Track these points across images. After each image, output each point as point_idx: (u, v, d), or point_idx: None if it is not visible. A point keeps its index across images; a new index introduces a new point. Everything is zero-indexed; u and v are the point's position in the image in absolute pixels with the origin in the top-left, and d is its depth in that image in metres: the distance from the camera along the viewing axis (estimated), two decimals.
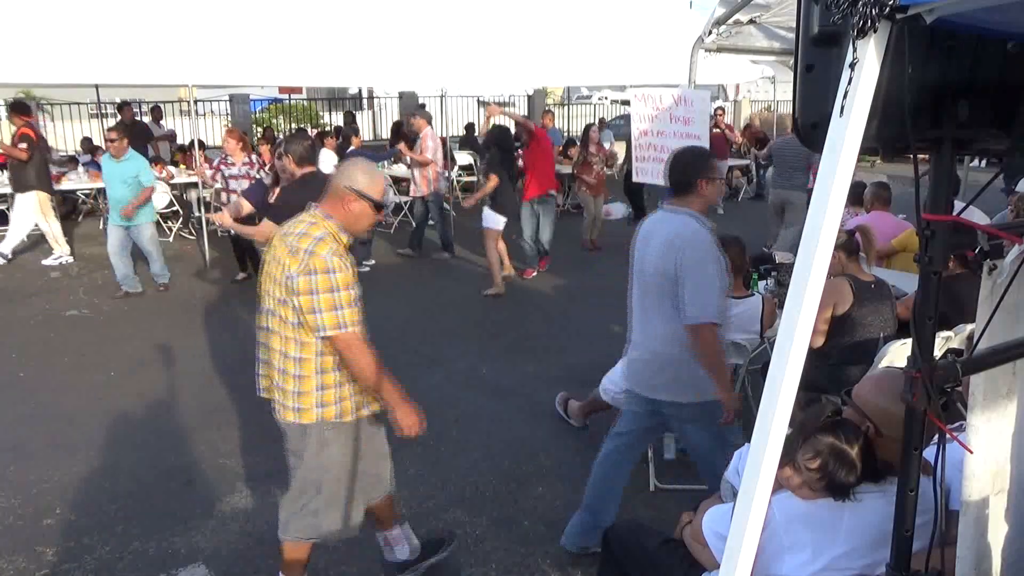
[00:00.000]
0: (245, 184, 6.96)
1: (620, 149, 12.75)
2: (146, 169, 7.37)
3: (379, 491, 3.01)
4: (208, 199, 9.27)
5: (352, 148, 9.18)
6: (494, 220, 7.44)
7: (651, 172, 5.24)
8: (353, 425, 2.77)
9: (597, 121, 16.67)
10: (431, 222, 9.01)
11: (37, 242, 9.50)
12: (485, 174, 7.59)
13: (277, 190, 5.00)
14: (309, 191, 4.61)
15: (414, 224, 9.32)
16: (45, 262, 8.58)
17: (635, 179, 5.67)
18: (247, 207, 5.02)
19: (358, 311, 2.63)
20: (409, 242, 9.20)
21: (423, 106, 15.60)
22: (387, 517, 3.13)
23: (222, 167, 7.63)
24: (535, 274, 8.21)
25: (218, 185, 7.83)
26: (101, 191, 9.58)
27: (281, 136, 14.82)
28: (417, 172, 8.71)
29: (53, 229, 8.66)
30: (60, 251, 8.72)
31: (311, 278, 2.49)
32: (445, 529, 3.40)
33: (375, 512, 3.07)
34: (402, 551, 3.16)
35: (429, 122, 8.77)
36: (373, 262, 8.74)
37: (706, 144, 4.82)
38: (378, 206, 2.71)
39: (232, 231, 5.11)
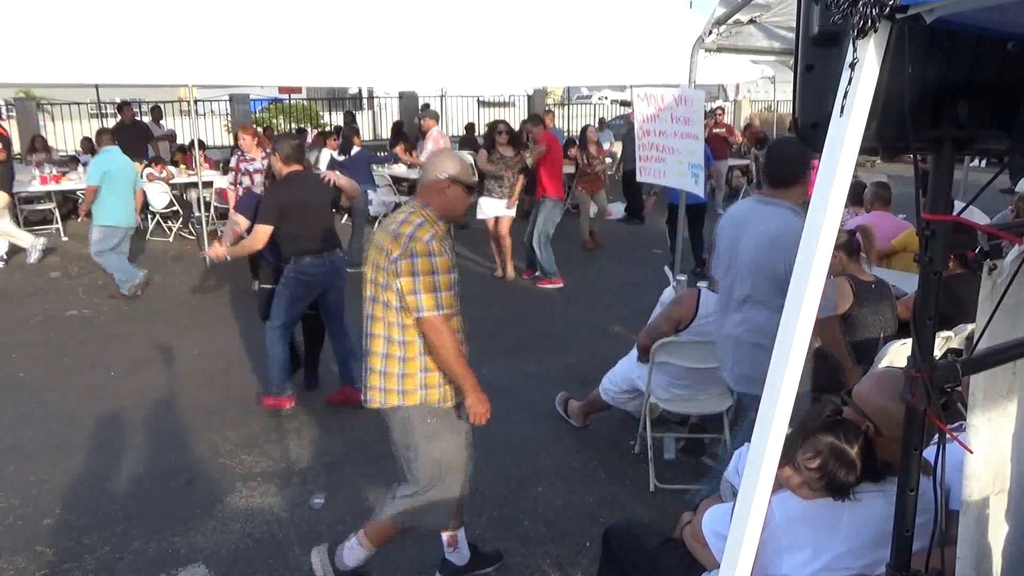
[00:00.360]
0: None
1: (619, 149, 12.76)
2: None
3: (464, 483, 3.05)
4: (208, 199, 9.26)
5: (356, 149, 9.15)
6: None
7: (654, 172, 5.24)
8: (454, 409, 2.85)
9: (597, 121, 16.68)
10: None
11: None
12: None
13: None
14: (294, 189, 4.62)
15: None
16: (30, 260, 8.53)
17: (639, 178, 5.67)
18: (244, 222, 4.80)
19: (454, 296, 2.74)
20: None
21: (427, 106, 15.63)
22: (459, 514, 3.12)
23: (242, 164, 7.54)
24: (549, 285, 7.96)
25: (241, 187, 7.62)
26: None
27: None
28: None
29: (7, 228, 8.56)
30: (26, 243, 8.58)
31: (412, 260, 2.62)
32: (496, 550, 3.33)
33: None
34: (461, 556, 3.15)
35: (437, 122, 8.77)
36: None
37: (703, 143, 4.84)
38: (470, 188, 2.87)
39: (228, 259, 4.85)
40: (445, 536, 3.13)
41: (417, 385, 2.75)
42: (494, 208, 7.91)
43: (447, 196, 2.78)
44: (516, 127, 8.79)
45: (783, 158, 3.08)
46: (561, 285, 7.81)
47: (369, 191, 9.02)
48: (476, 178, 2.98)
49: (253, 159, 7.34)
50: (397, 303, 2.68)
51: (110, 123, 12.79)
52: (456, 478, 2.92)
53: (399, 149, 8.96)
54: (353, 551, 3.02)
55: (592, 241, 9.70)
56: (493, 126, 8.74)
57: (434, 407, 2.80)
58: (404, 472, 2.91)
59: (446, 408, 2.83)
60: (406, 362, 2.73)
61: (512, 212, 8.00)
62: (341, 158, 9.12)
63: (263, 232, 4.50)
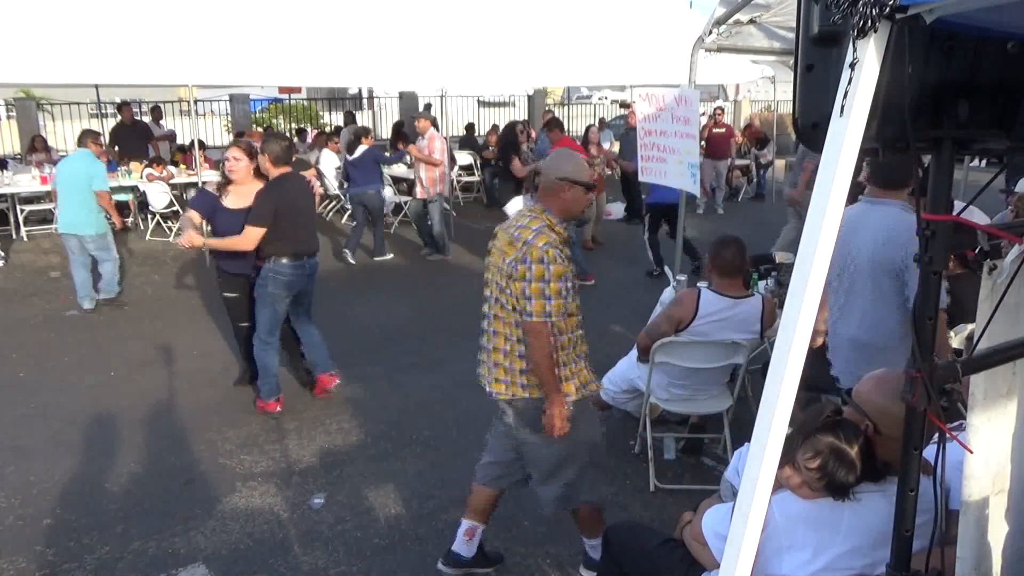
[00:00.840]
0: None
1: (618, 149, 12.75)
2: None
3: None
4: None
5: (364, 147, 9.15)
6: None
7: (655, 172, 5.25)
8: (573, 404, 2.91)
9: (597, 121, 16.67)
10: (429, 223, 9.00)
11: (38, 243, 9.52)
12: None
13: (230, 192, 4.66)
14: (285, 192, 4.59)
15: (416, 225, 9.33)
16: None
17: (640, 178, 5.68)
18: (198, 218, 4.70)
19: (564, 303, 2.80)
20: (426, 243, 9.27)
21: (429, 107, 15.62)
22: (486, 511, 3.19)
23: None
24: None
25: None
26: None
27: None
28: (424, 173, 8.68)
29: None
30: None
31: (527, 266, 2.72)
32: (496, 551, 3.36)
33: (485, 500, 3.17)
34: (469, 551, 3.19)
35: (434, 123, 8.76)
36: (391, 256, 8.90)
37: (698, 143, 4.85)
38: (588, 187, 2.91)
39: (206, 248, 4.69)
40: (466, 526, 3.17)
41: (537, 380, 2.84)
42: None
43: (565, 198, 2.85)
44: (521, 128, 8.83)
45: (895, 161, 3.15)
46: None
47: (378, 188, 9.11)
48: (591, 177, 2.99)
49: None
50: (514, 304, 2.79)
51: (110, 123, 12.79)
52: (575, 464, 3.00)
53: (412, 148, 8.95)
54: (595, 547, 3.08)
55: (592, 242, 9.70)
56: (512, 127, 8.69)
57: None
58: (538, 465, 3.02)
59: (568, 401, 2.91)
60: (526, 359, 2.84)
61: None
62: (350, 157, 9.14)
63: (256, 234, 4.45)
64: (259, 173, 4.65)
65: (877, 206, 3.17)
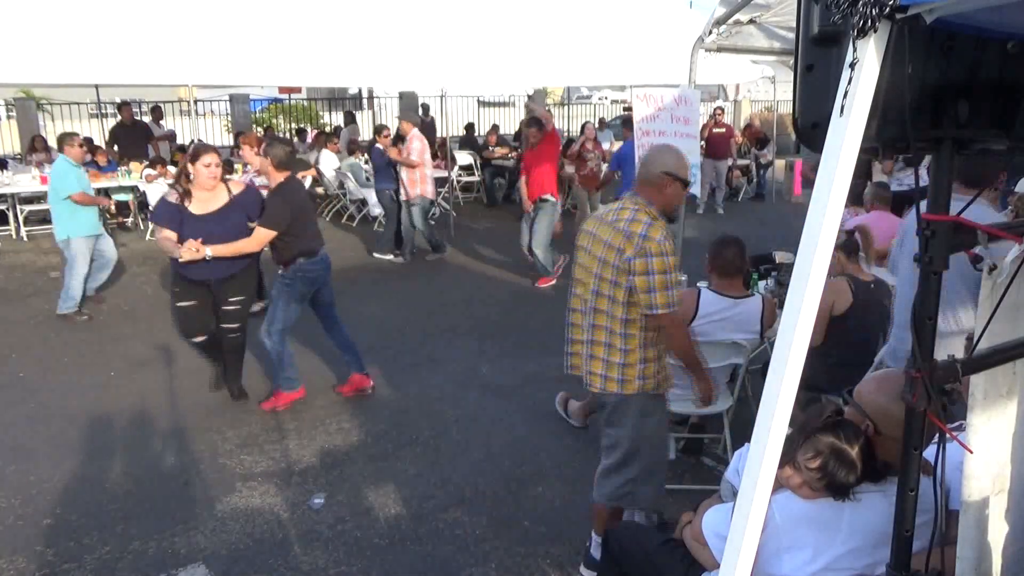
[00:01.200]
0: None
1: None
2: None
3: None
4: None
5: (379, 147, 9.20)
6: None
7: None
8: (664, 399, 2.98)
9: (597, 121, 16.69)
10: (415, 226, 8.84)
11: (38, 243, 9.52)
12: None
13: (193, 199, 4.52)
14: (295, 195, 4.60)
15: (389, 227, 9.17)
16: None
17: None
18: (173, 235, 4.48)
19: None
20: (396, 244, 9.03)
21: (427, 107, 15.61)
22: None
23: (254, 179, 7.40)
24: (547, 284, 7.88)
25: None
26: (103, 190, 9.52)
27: (281, 136, 14.86)
28: (405, 175, 8.56)
29: None
30: None
31: (647, 260, 2.74)
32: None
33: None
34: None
35: (416, 125, 8.69)
36: (401, 259, 8.91)
37: (699, 143, 4.85)
38: (685, 184, 2.95)
39: (209, 255, 4.42)
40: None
41: (636, 375, 2.88)
42: None
43: (666, 193, 2.89)
44: (516, 127, 8.79)
45: (981, 160, 3.18)
46: (555, 282, 7.79)
47: (390, 188, 9.09)
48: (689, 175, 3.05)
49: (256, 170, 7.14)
50: (624, 298, 2.81)
51: (110, 123, 12.79)
52: (658, 455, 3.06)
53: (389, 147, 8.89)
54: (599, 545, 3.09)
55: None
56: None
57: (649, 394, 2.94)
58: (610, 455, 3.05)
59: (659, 396, 2.98)
60: (627, 353, 2.87)
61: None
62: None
63: (268, 236, 4.47)
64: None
65: (958, 203, 3.21)
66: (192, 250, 4.37)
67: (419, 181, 8.52)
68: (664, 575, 2.37)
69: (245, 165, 7.53)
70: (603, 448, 3.10)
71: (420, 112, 15.24)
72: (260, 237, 4.50)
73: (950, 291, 3.15)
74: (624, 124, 9.56)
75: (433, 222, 11.07)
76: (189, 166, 4.53)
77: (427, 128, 14.07)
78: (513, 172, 11.67)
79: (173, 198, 4.56)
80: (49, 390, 5.17)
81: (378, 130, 9.64)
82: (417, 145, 8.46)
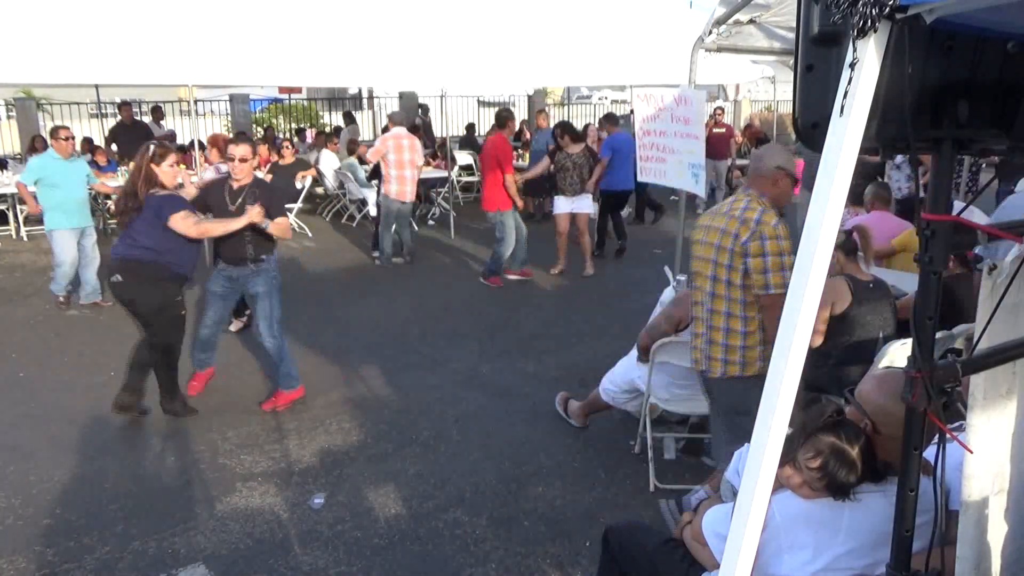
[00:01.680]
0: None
1: None
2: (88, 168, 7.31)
3: None
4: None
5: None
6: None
7: (654, 172, 5.25)
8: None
9: (597, 121, 16.68)
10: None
11: (38, 243, 9.51)
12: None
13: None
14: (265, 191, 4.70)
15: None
16: None
17: (640, 178, 5.68)
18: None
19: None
20: (374, 245, 8.95)
21: (426, 108, 15.60)
22: None
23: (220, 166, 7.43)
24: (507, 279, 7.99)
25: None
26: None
27: (281, 136, 14.86)
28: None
29: None
30: None
31: (763, 243, 2.90)
32: None
33: None
34: None
35: (401, 123, 8.63)
36: (401, 260, 8.90)
37: (703, 143, 4.85)
38: (795, 179, 3.08)
39: (265, 224, 4.53)
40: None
41: (757, 357, 3.01)
42: (569, 205, 8.09)
43: (779, 186, 3.03)
44: (516, 127, 8.80)
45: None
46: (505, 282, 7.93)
47: None
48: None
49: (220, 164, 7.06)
50: (740, 281, 2.96)
51: (110, 123, 12.79)
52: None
53: (363, 147, 8.93)
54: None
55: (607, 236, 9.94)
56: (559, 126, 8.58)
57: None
58: (720, 441, 3.15)
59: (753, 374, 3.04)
60: (747, 336, 3.01)
61: (589, 208, 8.21)
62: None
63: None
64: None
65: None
66: (258, 216, 4.50)
67: (384, 181, 8.45)
68: (664, 575, 2.37)
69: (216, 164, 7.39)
70: (730, 441, 3.05)
71: (419, 112, 15.24)
72: (284, 224, 4.70)
73: None
74: (607, 119, 9.66)
75: (433, 221, 11.08)
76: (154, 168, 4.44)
77: (426, 128, 14.08)
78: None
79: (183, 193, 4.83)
80: (49, 390, 5.17)
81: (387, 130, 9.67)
82: (376, 144, 8.46)
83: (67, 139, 6.80)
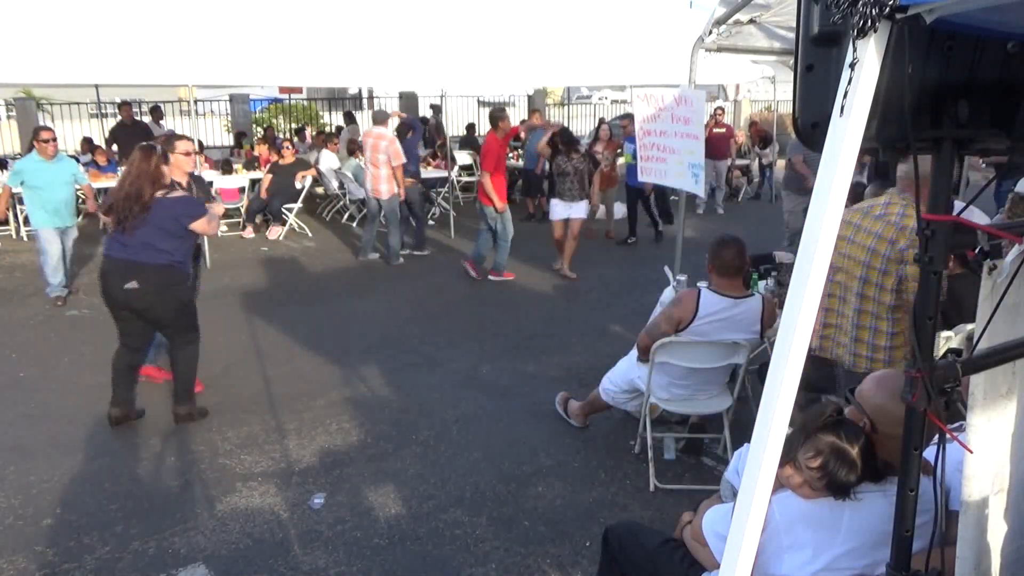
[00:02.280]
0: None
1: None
2: (79, 168, 7.32)
3: None
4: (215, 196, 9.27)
5: (410, 137, 9.34)
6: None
7: (655, 172, 5.25)
8: None
9: (597, 121, 16.68)
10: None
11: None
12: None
13: None
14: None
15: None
16: None
17: (640, 178, 5.68)
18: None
19: None
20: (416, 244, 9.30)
21: (437, 108, 15.61)
22: None
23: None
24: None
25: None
26: (101, 190, 9.51)
27: (281, 136, 14.85)
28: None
29: None
30: None
31: None
32: None
33: None
34: None
35: (379, 122, 8.67)
36: (427, 252, 9.03)
37: (703, 143, 4.85)
38: None
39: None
40: None
41: (903, 356, 3.11)
42: (567, 210, 8.10)
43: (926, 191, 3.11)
44: (510, 126, 8.84)
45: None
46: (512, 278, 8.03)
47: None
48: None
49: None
50: (892, 286, 3.04)
51: (110, 123, 12.79)
52: None
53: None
54: None
55: (608, 236, 10.11)
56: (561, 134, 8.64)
57: None
58: None
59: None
60: (894, 336, 3.12)
61: (584, 214, 8.22)
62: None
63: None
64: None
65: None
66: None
67: (369, 179, 8.66)
68: (664, 575, 2.37)
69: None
70: None
71: (431, 112, 15.38)
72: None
73: None
74: (626, 117, 10.00)
75: (433, 221, 11.09)
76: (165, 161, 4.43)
77: (437, 127, 14.10)
78: (513, 173, 11.67)
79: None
80: (49, 390, 5.17)
81: (420, 126, 9.82)
82: (359, 140, 8.80)
83: (47, 140, 6.80)
